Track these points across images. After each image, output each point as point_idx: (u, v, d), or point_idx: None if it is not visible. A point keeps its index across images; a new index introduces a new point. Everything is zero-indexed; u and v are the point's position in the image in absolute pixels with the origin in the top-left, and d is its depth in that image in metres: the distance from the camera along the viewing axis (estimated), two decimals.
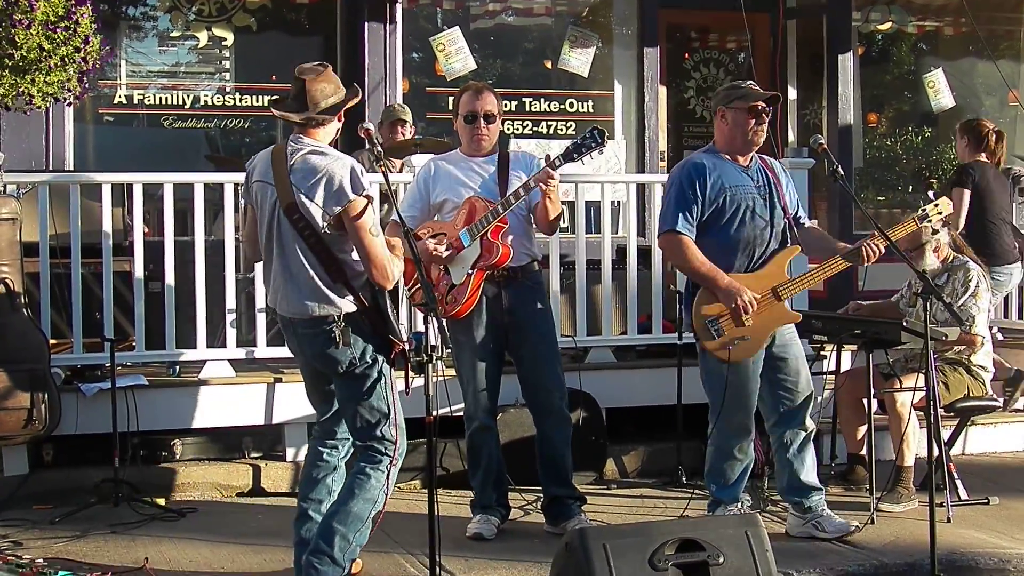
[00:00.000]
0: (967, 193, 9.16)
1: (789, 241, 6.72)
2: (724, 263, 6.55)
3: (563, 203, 7.27)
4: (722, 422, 6.71)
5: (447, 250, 6.58)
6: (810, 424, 6.85)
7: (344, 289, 5.52)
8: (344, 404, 5.71)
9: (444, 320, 6.34)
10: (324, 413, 5.89)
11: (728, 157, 6.67)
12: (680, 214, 6.55)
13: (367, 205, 5.43)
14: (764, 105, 6.60)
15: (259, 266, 6.51)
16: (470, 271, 6.64)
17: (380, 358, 5.60)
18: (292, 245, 5.51)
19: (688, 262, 6.59)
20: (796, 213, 6.81)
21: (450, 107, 10.56)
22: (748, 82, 6.86)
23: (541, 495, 7.04)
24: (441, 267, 6.67)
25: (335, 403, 5.80)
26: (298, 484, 6.02)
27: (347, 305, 5.52)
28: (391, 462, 5.67)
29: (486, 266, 6.63)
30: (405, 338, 5.58)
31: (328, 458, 5.88)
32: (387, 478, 5.67)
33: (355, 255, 5.51)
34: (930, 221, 6.86)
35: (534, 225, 6.84)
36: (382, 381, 5.62)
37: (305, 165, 5.46)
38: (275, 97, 5.89)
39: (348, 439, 5.88)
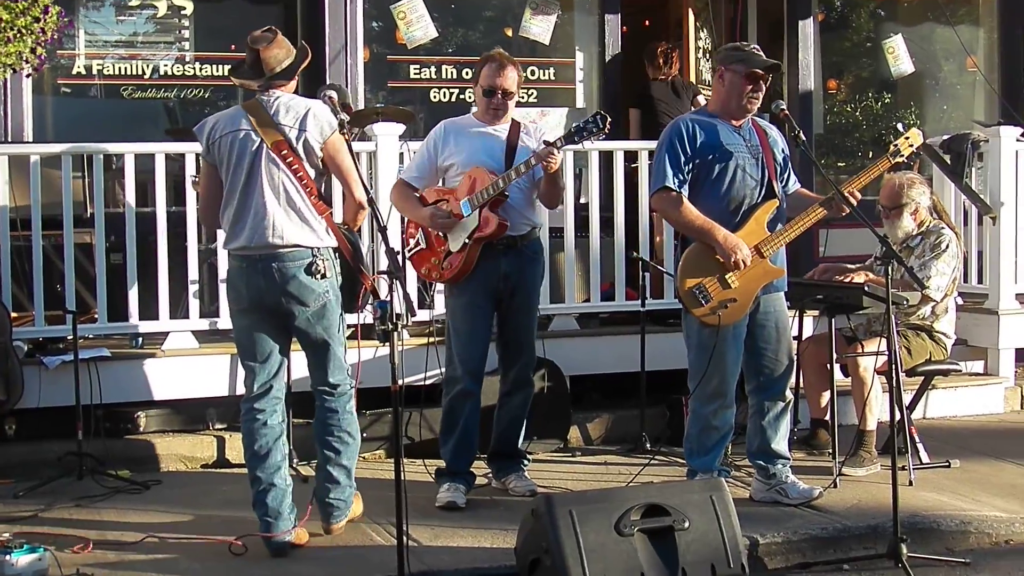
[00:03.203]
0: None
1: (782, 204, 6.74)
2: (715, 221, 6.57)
3: None
4: (700, 387, 6.73)
5: (447, 218, 6.71)
6: (789, 395, 6.91)
7: (325, 224, 5.99)
8: (314, 344, 6.09)
9: (427, 285, 7.03)
10: (269, 372, 6.11)
11: (721, 118, 6.69)
12: (670, 171, 6.57)
13: (344, 133, 6.05)
14: (762, 73, 6.61)
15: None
16: (467, 241, 6.71)
17: (341, 298, 6.11)
18: (282, 180, 5.92)
19: (683, 216, 6.60)
20: (786, 177, 6.82)
21: (411, 75, 10.72)
22: (752, 45, 6.84)
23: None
24: (441, 233, 6.79)
25: (280, 360, 6.16)
26: (248, 458, 6.14)
27: (327, 239, 6.00)
28: (352, 396, 6.22)
29: (482, 237, 6.69)
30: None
31: (271, 423, 6.11)
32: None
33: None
34: (902, 156, 6.84)
35: (536, 196, 6.90)
36: (344, 321, 6.17)
37: (289, 107, 5.97)
38: (231, 66, 6.23)
39: (281, 399, 6.19)
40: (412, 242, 6.98)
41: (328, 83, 9.80)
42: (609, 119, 6.71)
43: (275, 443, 6.09)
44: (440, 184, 6.93)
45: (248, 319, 6.09)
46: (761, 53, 6.73)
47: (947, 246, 7.78)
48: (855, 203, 6.45)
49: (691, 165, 6.59)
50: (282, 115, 5.92)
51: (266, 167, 5.92)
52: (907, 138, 6.80)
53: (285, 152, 5.90)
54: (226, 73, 10.28)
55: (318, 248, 5.95)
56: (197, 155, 7.88)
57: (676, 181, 6.57)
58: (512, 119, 6.95)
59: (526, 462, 7.19)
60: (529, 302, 6.97)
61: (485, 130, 6.90)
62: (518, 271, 6.86)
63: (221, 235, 7.69)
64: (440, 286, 7.64)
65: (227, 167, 6.01)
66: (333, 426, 6.16)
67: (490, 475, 7.18)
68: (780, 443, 6.88)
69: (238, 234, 5.98)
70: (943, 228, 7.91)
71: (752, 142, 6.66)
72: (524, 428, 7.16)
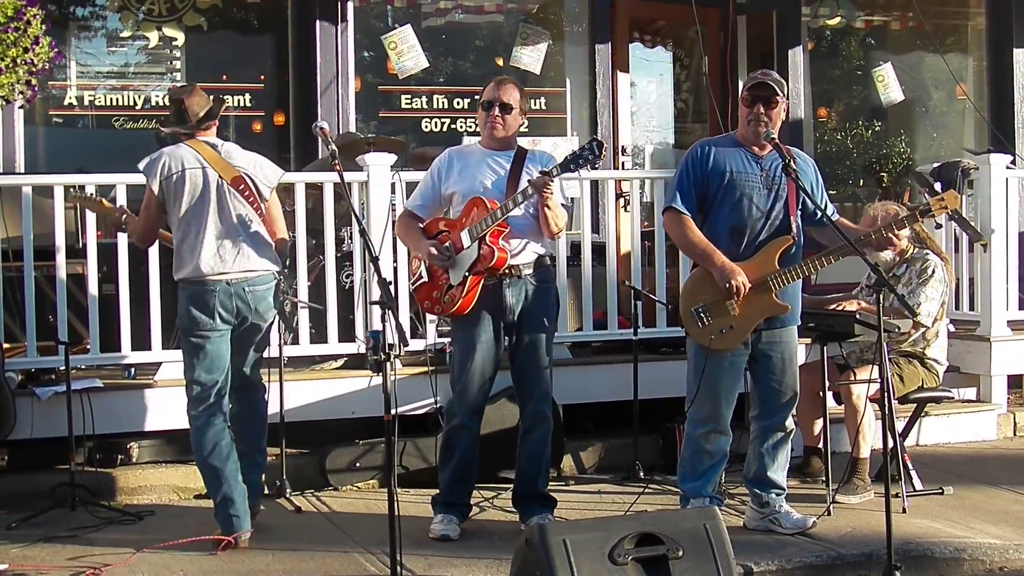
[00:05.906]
0: None
1: (798, 239, 6.71)
2: (719, 247, 6.58)
3: None
4: (693, 410, 6.75)
5: (448, 251, 6.58)
6: (790, 424, 6.88)
7: (274, 252, 6.69)
8: (256, 352, 6.79)
9: (419, 315, 7.03)
10: (225, 381, 6.57)
11: (743, 144, 6.71)
12: (678, 193, 6.65)
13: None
14: (758, 94, 6.60)
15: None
16: (467, 273, 6.57)
17: None
18: (245, 211, 6.54)
19: (685, 238, 6.66)
20: (815, 214, 6.73)
21: (402, 105, 10.76)
22: (766, 71, 6.80)
23: (510, 487, 7.04)
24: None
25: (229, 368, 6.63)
26: (210, 458, 6.51)
27: (278, 264, 6.71)
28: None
29: (483, 269, 6.56)
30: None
31: (224, 425, 6.59)
32: None
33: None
34: (933, 216, 6.84)
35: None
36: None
37: (238, 152, 6.68)
38: (159, 121, 6.92)
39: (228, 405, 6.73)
40: (416, 275, 6.83)
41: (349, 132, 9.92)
42: (604, 145, 6.71)
43: (232, 444, 6.56)
44: (445, 213, 6.81)
45: (217, 339, 6.52)
46: (771, 76, 6.67)
47: (933, 271, 7.79)
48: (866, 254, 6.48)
49: (698, 189, 6.64)
50: (235, 158, 6.60)
51: (230, 200, 6.52)
52: (941, 199, 6.76)
53: (243, 187, 6.52)
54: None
55: (277, 271, 6.69)
56: None
57: (683, 203, 6.62)
58: (519, 146, 6.85)
59: (551, 505, 6.93)
60: (538, 334, 6.73)
61: (490, 156, 6.76)
62: (524, 302, 6.68)
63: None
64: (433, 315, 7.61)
65: (187, 201, 6.47)
66: (256, 419, 6.91)
67: (483, 503, 7.14)
68: (777, 473, 6.87)
69: (217, 261, 6.45)
70: (928, 254, 7.92)
71: (772, 173, 6.63)
72: (546, 467, 6.97)
